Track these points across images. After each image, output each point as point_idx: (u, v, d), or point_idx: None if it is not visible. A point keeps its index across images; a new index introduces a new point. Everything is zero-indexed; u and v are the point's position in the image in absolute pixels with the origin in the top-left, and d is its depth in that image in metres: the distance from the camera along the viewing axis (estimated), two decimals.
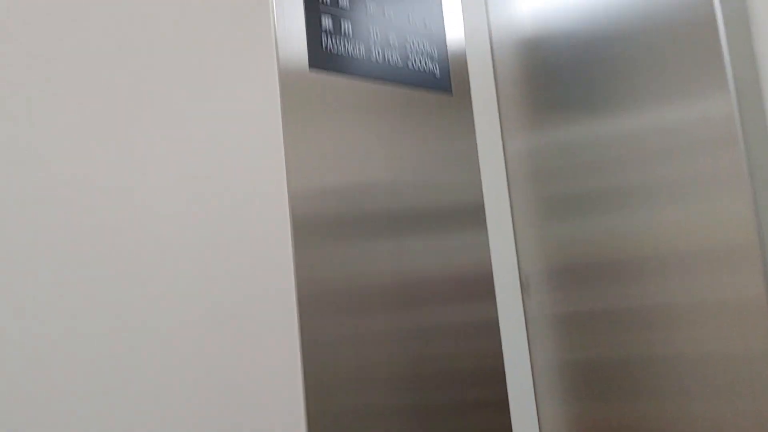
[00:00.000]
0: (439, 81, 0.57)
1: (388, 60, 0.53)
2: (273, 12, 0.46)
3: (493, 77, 0.64)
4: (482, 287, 0.57)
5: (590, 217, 0.57)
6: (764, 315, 0.49)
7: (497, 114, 0.62)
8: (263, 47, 0.45)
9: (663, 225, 0.54)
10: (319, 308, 0.45)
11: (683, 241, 0.53)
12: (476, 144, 0.58)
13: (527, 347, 0.61)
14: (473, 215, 0.57)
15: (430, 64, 0.56)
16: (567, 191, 0.59)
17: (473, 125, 0.59)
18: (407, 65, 0.55)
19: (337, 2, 0.50)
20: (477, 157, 0.58)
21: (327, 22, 0.49)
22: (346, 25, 0.51)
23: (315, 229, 0.46)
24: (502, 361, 0.58)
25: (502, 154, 0.62)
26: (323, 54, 0.49)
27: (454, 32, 0.58)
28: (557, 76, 0.60)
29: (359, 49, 0.51)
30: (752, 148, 0.51)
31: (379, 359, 0.48)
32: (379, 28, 0.53)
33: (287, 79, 0.46)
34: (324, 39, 0.49)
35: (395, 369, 0.49)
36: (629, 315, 0.55)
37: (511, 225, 0.61)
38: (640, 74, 0.55)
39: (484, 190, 0.58)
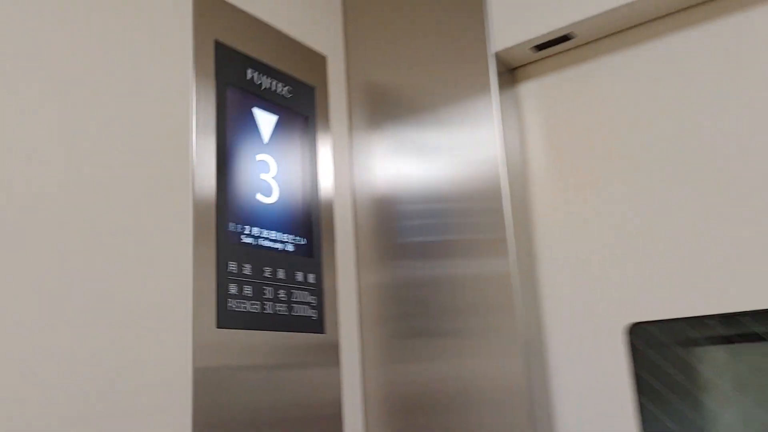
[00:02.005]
0: (315, 323, 0.73)
1: (277, 311, 0.69)
2: (191, 287, 0.61)
3: (354, 226, 0.81)
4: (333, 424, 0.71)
5: (419, 359, 0.73)
6: None
7: (354, 259, 0.80)
8: (181, 314, 0.59)
9: (463, 369, 0.71)
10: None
11: (474, 385, 0.70)
12: (339, 372, 0.74)
13: None
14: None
15: (311, 311, 0.73)
16: (403, 332, 0.75)
17: (339, 357, 0.75)
18: (292, 311, 0.70)
19: (242, 271, 0.66)
20: (339, 379, 0.74)
21: (232, 288, 0.64)
22: (247, 289, 0.66)
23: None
24: None
25: (357, 293, 0.79)
26: (228, 315, 0.63)
27: (325, 193, 0.76)
28: (400, 226, 0.78)
29: (256, 307, 0.66)
30: (524, 309, 0.71)
31: None
32: (272, 289, 0.69)
33: (199, 338, 0.60)
34: (229, 301, 0.64)
35: None
36: None
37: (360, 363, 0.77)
38: (452, 233, 0.74)
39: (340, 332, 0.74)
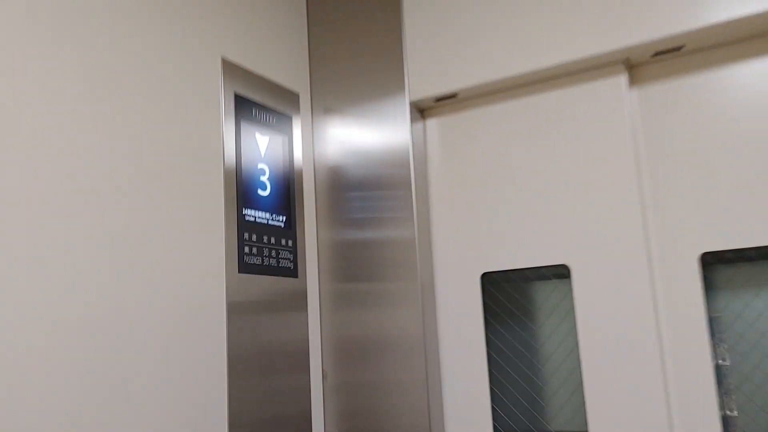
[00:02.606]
0: (292, 271, 1.14)
1: (271, 263, 1.10)
2: (224, 248, 1.01)
3: (314, 189, 1.24)
4: (303, 360, 1.14)
5: (353, 307, 1.16)
6: (423, 385, 1.12)
7: (314, 216, 1.22)
8: (217, 263, 0.99)
9: (381, 316, 1.15)
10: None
11: (387, 329, 1.14)
12: (307, 314, 1.16)
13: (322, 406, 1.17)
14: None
15: (290, 264, 1.14)
16: (344, 282, 1.18)
17: (306, 300, 1.16)
18: (279, 264, 1.11)
19: (251, 238, 1.06)
20: (307, 323, 1.16)
21: (245, 248, 1.05)
22: (254, 249, 1.07)
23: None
24: (310, 415, 1.14)
25: (316, 252, 1.21)
26: (244, 265, 1.04)
27: (298, 185, 1.17)
28: (344, 191, 1.21)
29: (258, 260, 1.07)
30: (423, 269, 1.16)
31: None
32: (267, 249, 1.10)
33: (229, 280, 1.00)
34: (245, 257, 1.04)
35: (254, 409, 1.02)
36: (375, 383, 1.14)
37: (319, 313, 1.19)
38: (371, 180, 1.18)
39: (308, 282, 1.17)
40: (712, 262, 1.04)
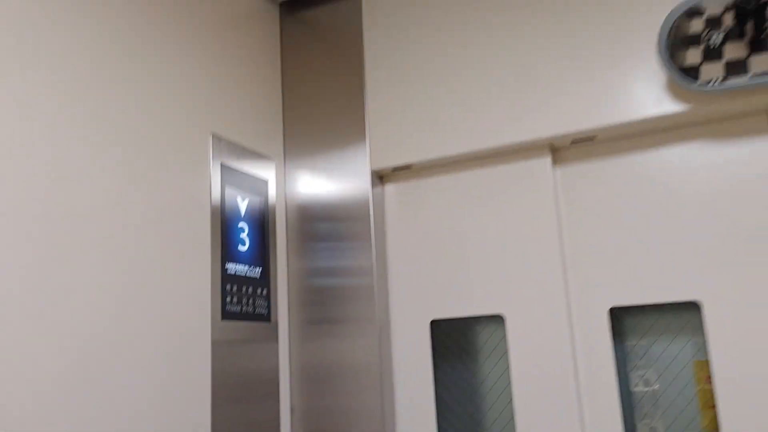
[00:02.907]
0: (266, 316, 1.31)
1: (248, 310, 1.26)
2: (210, 298, 1.17)
3: (286, 242, 1.40)
4: (274, 389, 1.30)
5: (322, 349, 1.33)
6: (379, 415, 1.30)
7: (286, 266, 1.38)
8: (205, 312, 1.15)
9: (346, 357, 1.32)
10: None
11: (347, 359, 1.31)
12: (277, 346, 1.32)
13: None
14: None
15: (264, 310, 1.31)
16: (308, 317, 1.35)
17: (277, 341, 1.33)
18: (255, 311, 1.28)
19: (232, 288, 1.23)
20: (278, 359, 1.32)
21: (227, 298, 1.21)
22: (234, 298, 1.23)
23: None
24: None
25: (287, 299, 1.38)
26: (226, 312, 1.20)
27: (272, 221, 1.34)
28: (312, 243, 1.38)
29: (238, 308, 1.23)
30: (380, 314, 1.34)
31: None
32: (245, 297, 1.26)
33: (213, 324, 1.16)
34: (227, 305, 1.20)
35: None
36: (336, 410, 1.30)
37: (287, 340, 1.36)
38: (335, 234, 1.35)
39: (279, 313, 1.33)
40: (619, 314, 1.26)
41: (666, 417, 1.22)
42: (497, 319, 1.35)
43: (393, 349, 1.38)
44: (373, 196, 1.38)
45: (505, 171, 1.32)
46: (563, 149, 1.31)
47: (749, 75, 1.12)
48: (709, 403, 1.19)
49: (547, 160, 1.29)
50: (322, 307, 1.37)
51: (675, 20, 1.12)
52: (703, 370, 1.20)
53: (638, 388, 1.25)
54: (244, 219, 1.30)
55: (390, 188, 1.44)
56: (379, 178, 1.44)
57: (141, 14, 1.11)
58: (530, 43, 1.27)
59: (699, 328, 1.21)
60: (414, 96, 1.37)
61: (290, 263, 1.42)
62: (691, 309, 1.21)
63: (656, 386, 1.24)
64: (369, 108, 1.41)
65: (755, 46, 1.15)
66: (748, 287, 1.12)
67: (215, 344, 1.16)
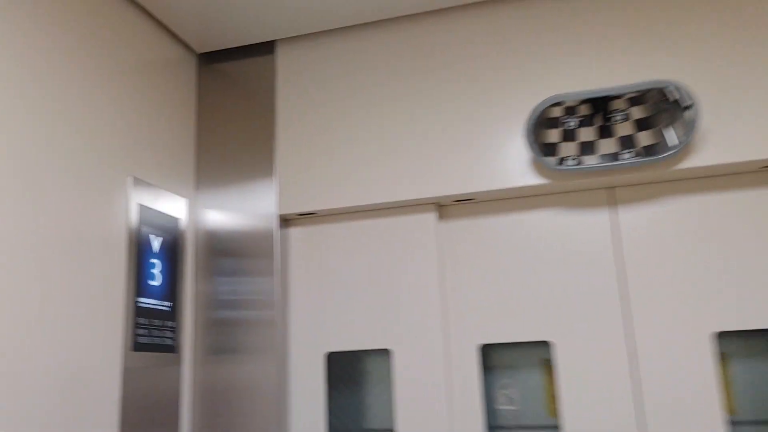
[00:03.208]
0: (173, 348, 1.41)
1: (156, 342, 1.35)
2: (122, 330, 1.25)
3: (194, 277, 1.50)
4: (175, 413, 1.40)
5: (225, 377, 1.44)
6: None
7: (194, 299, 1.48)
8: (117, 343, 1.23)
9: (247, 384, 1.45)
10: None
11: (251, 396, 1.44)
12: (180, 376, 1.42)
13: None
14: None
15: (171, 341, 1.40)
16: (210, 344, 1.46)
17: (180, 370, 1.43)
18: (163, 342, 1.37)
19: (142, 322, 1.32)
20: (180, 376, 1.42)
21: (138, 330, 1.30)
22: (144, 331, 1.32)
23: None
24: None
25: (193, 330, 1.48)
26: (136, 344, 1.29)
27: (182, 258, 1.44)
28: (219, 278, 1.49)
29: (147, 339, 1.32)
30: (280, 345, 1.48)
31: None
32: (155, 330, 1.35)
33: (124, 354, 1.25)
34: (137, 337, 1.29)
35: None
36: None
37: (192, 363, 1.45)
38: (241, 270, 1.48)
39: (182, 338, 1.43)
40: (487, 350, 1.47)
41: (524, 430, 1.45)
42: (385, 353, 1.53)
43: (290, 378, 1.51)
44: (278, 237, 1.52)
45: (397, 222, 1.51)
46: (447, 206, 1.52)
47: (597, 155, 1.38)
48: (556, 416, 1.43)
49: (433, 215, 1.49)
50: (226, 338, 1.49)
51: (538, 114, 1.36)
52: (552, 394, 1.44)
53: (503, 407, 1.47)
54: (156, 256, 1.39)
55: (294, 231, 1.59)
56: (285, 221, 1.58)
57: (63, 61, 1.20)
58: (423, 116, 1.48)
59: (550, 361, 1.45)
60: (320, 150, 1.53)
61: (197, 296, 1.53)
62: (544, 346, 1.45)
63: (517, 407, 1.46)
64: (278, 157, 1.55)
65: (602, 133, 1.42)
66: (587, 330, 1.37)
67: (126, 372, 1.24)
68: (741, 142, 1.28)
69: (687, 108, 1.28)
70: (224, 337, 1.49)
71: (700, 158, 1.30)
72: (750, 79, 1.31)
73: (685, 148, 1.30)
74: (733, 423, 1.31)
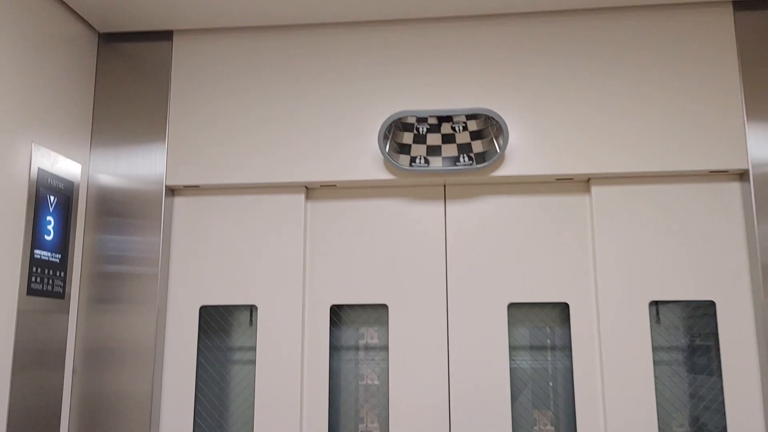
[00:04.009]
0: (61, 294, 1.60)
1: (47, 288, 1.54)
2: (18, 278, 1.44)
3: (83, 233, 1.70)
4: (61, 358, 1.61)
5: (107, 326, 1.66)
6: (149, 400, 1.68)
7: (81, 253, 1.68)
8: (14, 288, 1.41)
9: (126, 334, 1.68)
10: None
11: (130, 344, 1.67)
12: (68, 321, 1.62)
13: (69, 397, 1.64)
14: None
15: (60, 289, 1.60)
16: (96, 297, 1.67)
17: (68, 315, 1.63)
18: (53, 289, 1.57)
19: (37, 270, 1.51)
20: (67, 330, 1.62)
21: (33, 277, 1.49)
22: (38, 278, 1.51)
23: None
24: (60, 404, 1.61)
25: (79, 281, 1.68)
26: (31, 289, 1.48)
27: (74, 217, 1.64)
28: (107, 235, 1.70)
29: (41, 287, 1.51)
30: (160, 298, 1.73)
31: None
32: (48, 278, 1.54)
33: (19, 298, 1.43)
34: (32, 284, 1.48)
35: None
36: (116, 374, 1.65)
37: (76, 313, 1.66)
38: (128, 229, 1.70)
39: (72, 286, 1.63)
40: (337, 309, 1.80)
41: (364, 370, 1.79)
42: (252, 308, 1.81)
43: (167, 328, 1.76)
44: (165, 203, 1.74)
45: (271, 200, 1.79)
46: (314, 189, 1.81)
47: (441, 157, 1.73)
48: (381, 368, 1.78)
49: (302, 196, 1.78)
50: (111, 290, 1.70)
51: (390, 124, 1.68)
52: (385, 351, 1.80)
53: (349, 356, 1.80)
54: (51, 214, 1.58)
55: (178, 199, 1.82)
56: (171, 190, 1.80)
57: None
58: (298, 112, 1.75)
59: (387, 321, 1.80)
60: (207, 132, 1.77)
61: (85, 250, 1.72)
62: (382, 309, 1.79)
63: (361, 354, 1.80)
64: (169, 133, 1.77)
65: (445, 139, 1.76)
66: (417, 297, 1.73)
67: (20, 315, 1.44)
68: (541, 160, 1.68)
69: (500, 130, 1.65)
70: (109, 288, 1.70)
71: (510, 169, 1.68)
72: (551, 111, 1.70)
73: (498, 161, 1.68)
74: (511, 369, 1.73)
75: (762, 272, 1.55)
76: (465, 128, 1.77)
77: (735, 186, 1.66)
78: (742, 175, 1.65)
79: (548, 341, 1.74)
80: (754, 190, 1.59)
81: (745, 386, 1.57)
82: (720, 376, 1.60)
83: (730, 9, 1.68)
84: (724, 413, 1.58)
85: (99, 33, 1.82)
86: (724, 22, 1.68)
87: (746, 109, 1.62)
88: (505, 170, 1.69)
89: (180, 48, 1.82)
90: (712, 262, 1.64)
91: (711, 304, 1.64)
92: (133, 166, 1.76)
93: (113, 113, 1.78)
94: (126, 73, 1.80)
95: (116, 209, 1.74)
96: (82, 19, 1.73)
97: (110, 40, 1.82)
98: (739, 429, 1.56)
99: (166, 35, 1.82)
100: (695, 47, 1.68)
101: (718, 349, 1.61)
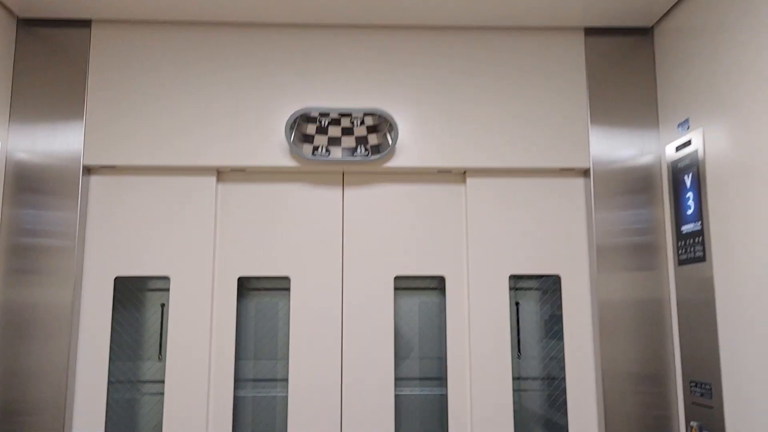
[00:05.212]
0: None
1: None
2: None
3: (2, 192, 1.80)
4: None
5: (23, 298, 1.79)
6: (66, 342, 1.84)
7: (2, 197, 1.80)
8: None
9: (41, 304, 1.81)
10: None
11: (48, 304, 1.81)
12: None
13: None
14: None
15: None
16: (15, 279, 1.79)
17: None
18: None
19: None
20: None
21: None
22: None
23: None
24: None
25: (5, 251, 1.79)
26: None
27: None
28: (25, 210, 1.82)
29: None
30: (76, 270, 1.87)
31: None
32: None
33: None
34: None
35: None
36: (34, 343, 1.78)
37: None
38: (47, 205, 1.83)
39: None
40: (244, 281, 2.01)
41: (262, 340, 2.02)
42: (165, 280, 1.98)
43: (83, 298, 1.90)
44: (82, 181, 1.88)
45: (185, 181, 1.96)
46: (225, 173, 2.01)
47: (341, 147, 1.97)
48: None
49: (213, 178, 1.97)
50: (29, 261, 1.82)
51: (294, 119, 1.90)
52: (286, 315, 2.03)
53: (254, 323, 2.01)
54: None
55: (95, 177, 1.95)
56: (88, 169, 1.94)
57: None
58: (211, 101, 1.94)
59: (288, 291, 2.03)
60: (123, 115, 1.91)
61: (3, 224, 1.83)
62: (284, 281, 2.02)
63: (261, 323, 2.02)
64: (87, 114, 1.90)
65: (344, 132, 2.00)
66: (315, 270, 1.97)
67: None
68: (426, 154, 1.96)
69: (392, 127, 1.92)
70: (27, 260, 1.82)
71: (399, 161, 1.96)
72: (435, 114, 1.98)
73: (389, 154, 1.94)
74: (395, 329, 2.02)
75: (597, 252, 1.92)
76: (362, 123, 2.02)
77: (579, 181, 2.03)
78: (585, 172, 2.02)
79: (426, 308, 2.04)
80: (594, 185, 1.95)
81: (581, 341, 1.95)
82: (561, 336, 1.97)
83: (581, 34, 2.03)
84: (564, 366, 1.95)
85: (18, 17, 1.90)
86: (576, 45, 2.02)
87: (590, 119, 1.98)
88: (395, 162, 1.96)
89: (98, 35, 1.94)
90: (559, 243, 1.99)
91: (558, 278, 2.00)
92: (51, 145, 1.87)
93: (32, 94, 1.89)
94: (45, 56, 1.91)
95: (34, 185, 1.85)
96: (1, 4, 1.82)
97: (29, 25, 1.91)
98: (575, 379, 1.94)
99: (85, 23, 1.93)
100: (552, 65, 2.01)
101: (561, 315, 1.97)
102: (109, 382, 1.90)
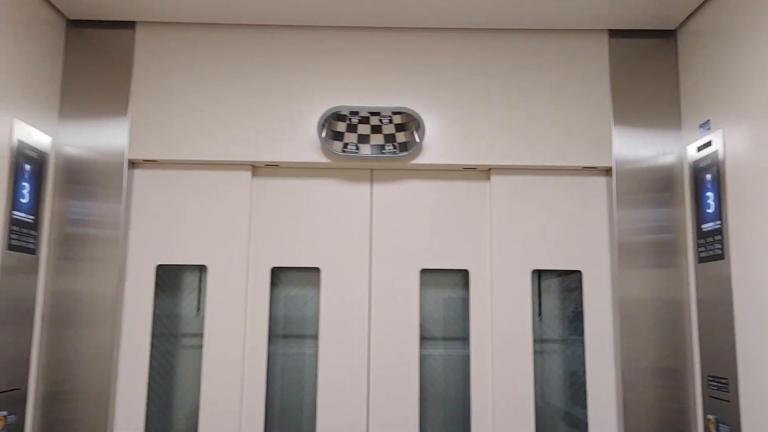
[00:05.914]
0: (33, 250, 1.83)
1: (22, 245, 1.77)
2: (3, 239, 1.66)
3: (52, 200, 1.93)
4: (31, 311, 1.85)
5: (74, 281, 1.91)
6: (110, 329, 1.95)
7: (49, 216, 1.91)
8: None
9: (90, 289, 1.93)
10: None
11: (92, 299, 1.93)
12: (37, 277, 1.85)
13: None
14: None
15: (33, 245, 1.83)
16: (67, 263, 1.91)
17: (38, 268, 1.85)
18: (27, 245, 1.79)
19: (15, 228, 1.73)
20: (36, 286, 1.86)
21: (11, 235, 1.72)
22: (17, 236, 1.74)
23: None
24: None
25: (48, 239, 1.91)
26: (10, 245, 1.70)
27: (46, 184, 1.87)
28: (73, 201, 1.93)
29: (18, 242, 1.74)
30: (119, 258, 1.99)
31: None
32: (23, 236, 1.77)
33: (2, 254, 1.66)
34: (11, 240, 1.71)
35: None
36: (77, 328, 1.90)
37: None
38: (93, 196, 1.95)
39: None
40: (277, 271, 2.11)
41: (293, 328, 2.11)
42: (202, 268, 2.09)
43: (126, 284, 2.02)
44: (126, 174, 1.99)
45: (222, 175, 2.07)
46: (260, 168, 2.10)
47: (369, 145, 2.05)
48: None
49: (249, 173, 2.07)
50: (76, 249, 1.94)
51: (326, 117, 1.99)
52: (317, 305, 2.13)
53: (286, 312, 2.11)
54: (27, 180, 1.80)
55: (138, 171, 2.06)
56: (132, 163, 2.05)
57: None
58: (249, 100, 2.03)
59: (318, 282, 2.12)
60: (166, 111, 2.02)
61: (54, 214, 1.95)
62: (315, 271, 2.12)
63: (293, 312, 2.11)
64: (131, 112, 2.01)
65: (373, 130, 2.09)
66: (345, 263, 2.06)
67: (3, 271, 1.67)
68: (451, 152, 2.03)
69: (419, 125, 1.99)
70: (74, 248, 1.94)
71: (426, 158, 2.03)
72: (462, 113, 2.05)
73: (417, 151, 2.02)
74: (421, 319, 2.10)
75: (618, 249, 1.97)
76: (391, 121, 2.09)
77: (602, 179, 2.08)
78: (608, 171, 2.07)
79: (452, 299, 2.12)
80: (616, 183, 2.00)
81: (602, 336, 2.01)
82: (582, 331, 2.03)
83: (606, 36, 2.08)
84: (584, 361, 2.01)
85: (67, 19, 2.02)
86: (600, 46, 2.07)
87: (613, 119, 2.03)
88: (422, 159, 2.04)
89: (142, 37, 2.05)
90: (581, 240, 2.05)
91: (579, 273, 2.06)
92: (98, 141, 1.99)
93: (80, 92, 2.00)
94: (92, 56, 2.02)
95: (81, 179, 1.97)
96: (53, 6, 1.93)
97: (78, 26, 2.03)
98: (595, 374, 2.00)
99: (129, 25, 2.04)
100: (577, 66, 2.07)
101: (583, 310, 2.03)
102: (152, 357, 2.01)
